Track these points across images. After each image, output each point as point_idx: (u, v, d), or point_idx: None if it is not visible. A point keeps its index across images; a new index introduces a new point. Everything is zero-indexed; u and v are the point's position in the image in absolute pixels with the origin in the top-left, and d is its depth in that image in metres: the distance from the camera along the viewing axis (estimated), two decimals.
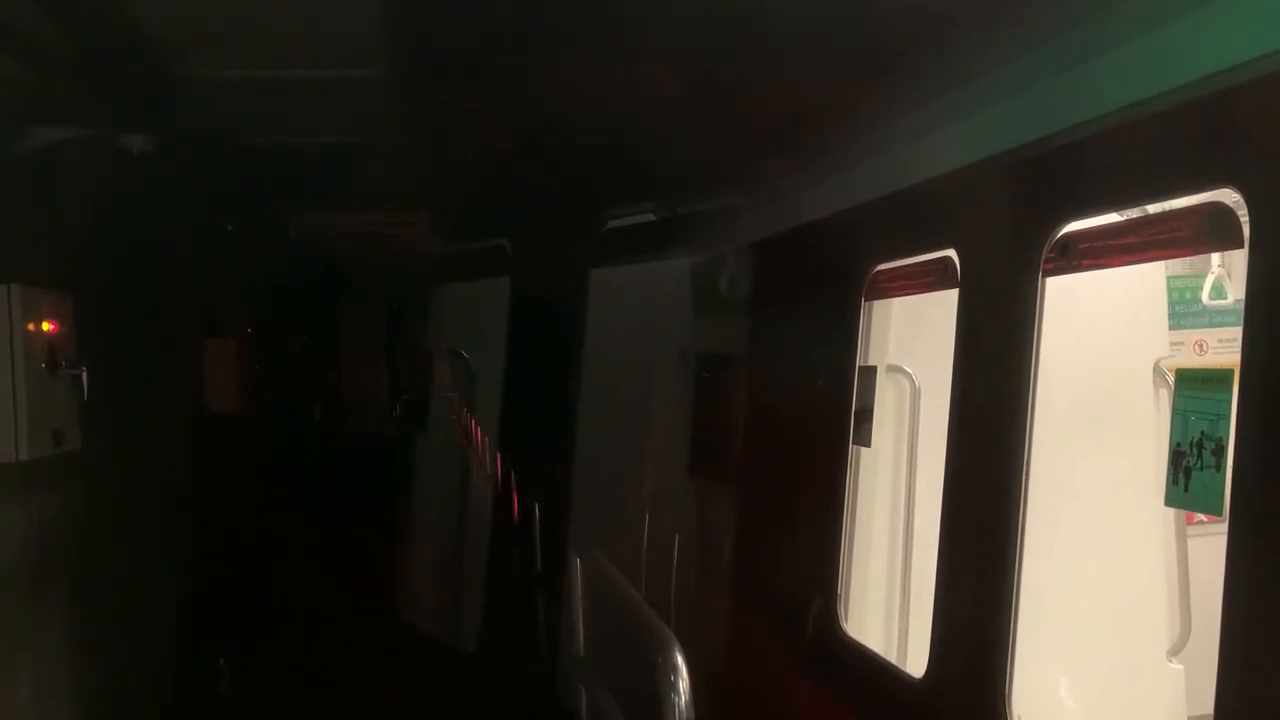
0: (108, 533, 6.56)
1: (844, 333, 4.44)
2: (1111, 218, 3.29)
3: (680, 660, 4.26)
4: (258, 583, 11.83)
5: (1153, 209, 3.08)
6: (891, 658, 4.53)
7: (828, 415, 4.52)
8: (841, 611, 4.52)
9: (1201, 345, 6.23)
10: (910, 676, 3.90)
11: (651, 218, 6.81)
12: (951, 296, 4.26)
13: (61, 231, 5.87)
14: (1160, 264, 4.87)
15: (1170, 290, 5.25)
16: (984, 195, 3.52)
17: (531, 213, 7.69)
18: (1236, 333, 6.30)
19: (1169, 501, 2.87)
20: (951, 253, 3.80)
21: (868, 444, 4.46)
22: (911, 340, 4.71)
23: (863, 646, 4.30)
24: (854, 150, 4.30)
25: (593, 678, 6.43)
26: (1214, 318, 6.24)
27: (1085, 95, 3.04)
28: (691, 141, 4.86)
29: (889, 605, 4.81)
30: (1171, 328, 5.18)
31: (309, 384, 20.30)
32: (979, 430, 3.48)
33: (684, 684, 4.21)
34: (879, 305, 4.58)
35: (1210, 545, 5.83)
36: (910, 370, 4.66)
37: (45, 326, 5.25)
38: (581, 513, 7.79)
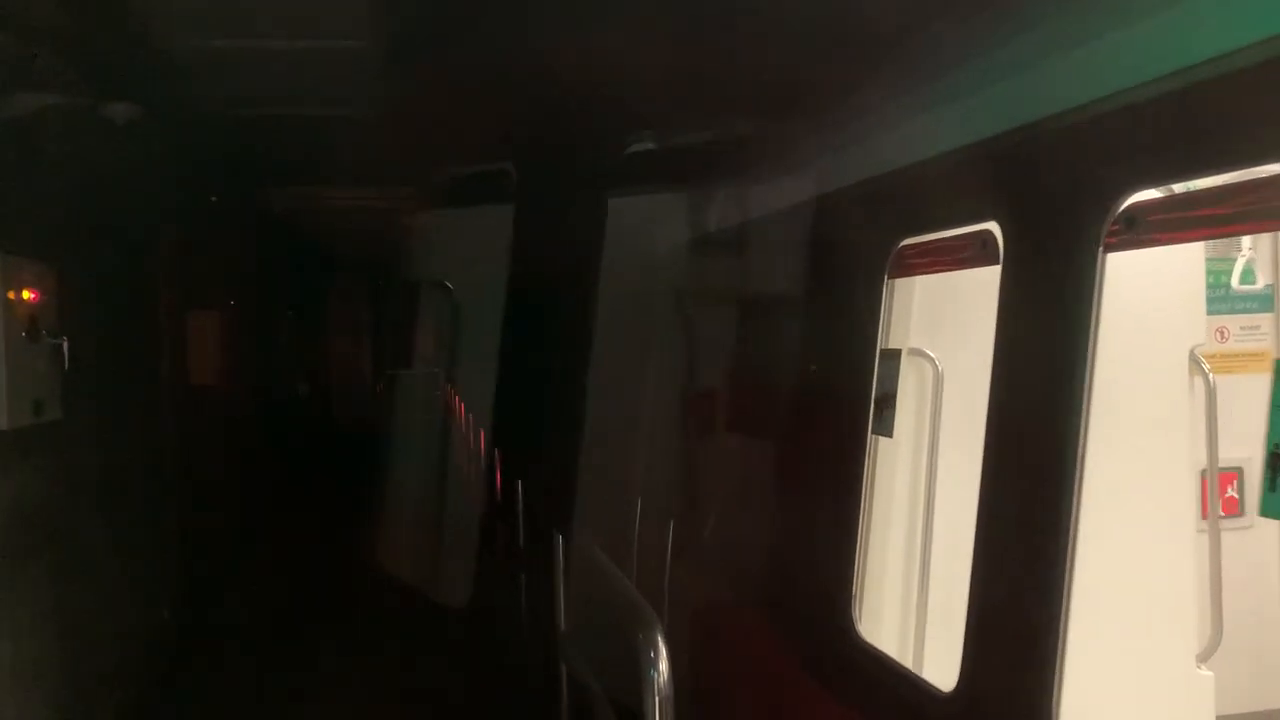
0: (89, 503, 6.52)
1: (865, 313, 4.09)
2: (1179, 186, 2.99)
3: (661, 638, 3.99)
4: (240, 555, 11.88)
5: (1232, 177, 2.75)
6: (906, 664, 4.23)
7: (846, 402, 4.18)
8: (856, 613, 4.19)
9: (1223, 332, 5.95)
10: (937, 690, 3.57)
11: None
12: (981, 275, 3.99)
13: (44, 200, 5.78)
14: (1199, 244, 4.56)
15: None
16: (1035, 161, 3.17)
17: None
18: (1260, 320, 5.94)
19: (1264, 510, 2.55)
20: (992, 226, 3.46)
21: (889, 434, 4.14)
22: (934, 322, 4.39)
23: (882, 654, 3.97)
24: (883, 113, 3.93)
25: (573, 654, 6.35)
26: (1236, 304, 5.97)
27: (1159, 47, 2.70)
28: (700, 105, 4.49)
29: (904, 606, 4.50)
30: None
31: (293, 358, 20.32)
32: (1026, 420, 3.16)
33: (664, 662, 3.92)
34: (900, 284, 4.25)
35: (1238, 542, 5.59)
36: (933, 354, 4.34)
37: (26, 295, 5.24)
38: (569, 490, 7.55)
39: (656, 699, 3.91)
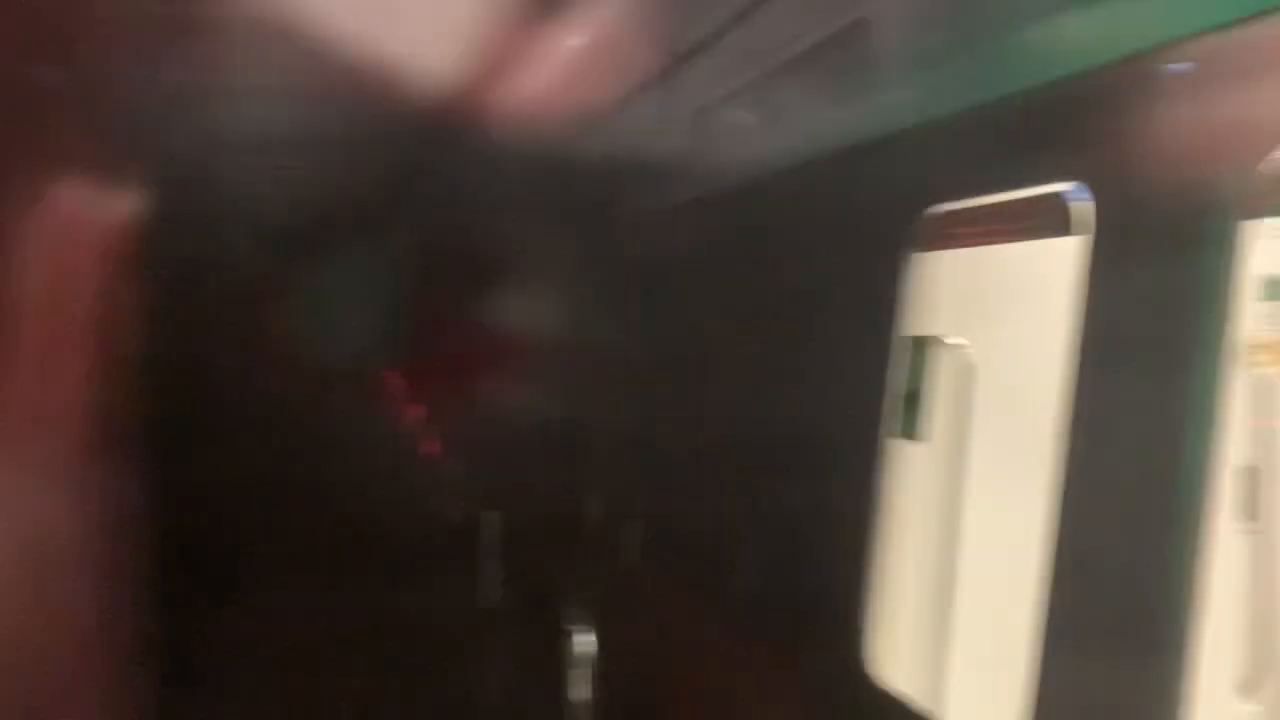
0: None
1: (885, 295, 3.42)
2: None
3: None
4: (215, 542, 11.37)
5: None
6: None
7: (860, 401, 3.50)
8: (867, 650, 3.54)
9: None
10: None
11: None
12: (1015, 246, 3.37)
13: None
14: None
15: None
16: (1147, 102, 2.51)
17: None
18: None
19: None
20: (1065, 188, 2.80)
21: (918, 437, 3.48)
22: (963, 305, 3.74)
23: (902, 701, 3.32)
24: (917, 49, 3.24)
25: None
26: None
27: None
28: None
29: (919, 643, 3.86)
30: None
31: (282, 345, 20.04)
32: (1134, 432, 2.51)
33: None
34: (927, 259, 3.59)
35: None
36: (963, 343, 3.69)
37: None
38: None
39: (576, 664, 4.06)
